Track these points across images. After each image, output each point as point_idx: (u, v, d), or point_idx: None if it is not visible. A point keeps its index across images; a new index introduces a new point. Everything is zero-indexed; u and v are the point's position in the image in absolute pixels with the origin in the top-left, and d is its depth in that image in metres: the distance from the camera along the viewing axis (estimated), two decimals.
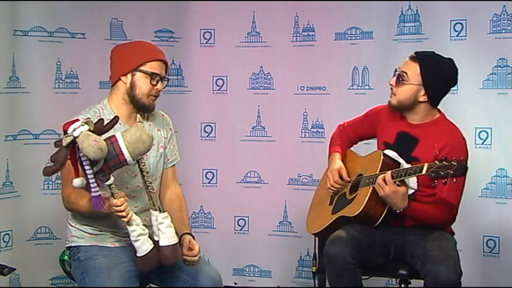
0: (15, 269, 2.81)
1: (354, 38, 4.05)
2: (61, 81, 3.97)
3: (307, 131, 4.17)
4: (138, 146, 2.56)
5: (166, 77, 2.90)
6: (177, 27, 4.26)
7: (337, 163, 3.20)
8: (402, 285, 3.07)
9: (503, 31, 3.67)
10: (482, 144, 3.77)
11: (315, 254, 3.30)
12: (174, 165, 3.05)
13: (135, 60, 2.82)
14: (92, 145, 2.44)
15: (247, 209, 4.31)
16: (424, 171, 2.74)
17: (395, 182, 2.85)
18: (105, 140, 2.52)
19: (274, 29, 4.21)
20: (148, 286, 2.96)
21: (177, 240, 2.71)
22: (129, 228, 2.64)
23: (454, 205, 2.96)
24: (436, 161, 2.73)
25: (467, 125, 3.77)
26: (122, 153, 2.53)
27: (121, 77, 2.83)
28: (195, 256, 2.82)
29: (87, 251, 2.82)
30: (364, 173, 3.08)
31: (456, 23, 3.79)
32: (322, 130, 4.11)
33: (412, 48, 3.84)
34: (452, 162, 2.69)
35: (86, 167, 2.51)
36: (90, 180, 2.54)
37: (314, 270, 3.31)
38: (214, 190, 4.34)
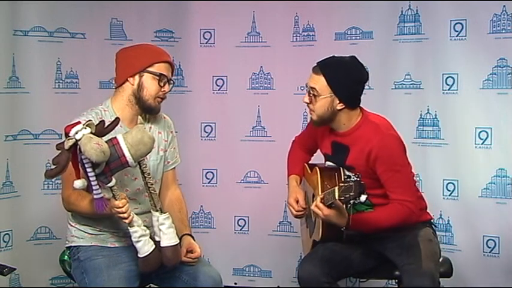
0: (15, 269, 2.81)
1: (354, 38, 4.05)
2: (61, 81, 3.97)
3: None
4: (140, 148, 2.56)
5: (172, 79, 2.90)
6: (177, 27, 4.26)
7: (293, 190, 3.16)
8: (400, 286, 3.07)
9: (503, 31, 3.67)
10: (482, 144, 3.76)
11: None
12: (174, 167, 3.06)
13: (143, 61, 2.83)
14: (94, 148, 2.45)
15: (247, 209, 4.31)
16: (336, 197, 2.65)
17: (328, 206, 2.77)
18: (106, 142, 2.53)
19: (274, 29, 4.21)
20: (148, 286, 2.96)
21: (178, 241, 2.72)
22: (131, 230, 2.65)
23: (406, 199, 2.88)
24: (340, 184, 2.64)
25: (467, 125, 3.79)
26: (124, 155, 2.54)
27: (128, 78, 2.83)
28: (196, 258, 2.83)
29: (87, 250, 2.83)
30: (315, 192, 3.02)
31: (456, 23, 3.78)
32: None
33: (412, 48, 3.88)
34: (349, 183, 2.60)
35: (88, 170, 2.52)
36: (92, 183, 2.55)
37: None
38: (214, 190, 4.34)
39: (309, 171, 3.19)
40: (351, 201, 2.62)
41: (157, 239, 2.71)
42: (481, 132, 3.76)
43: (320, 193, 2.87)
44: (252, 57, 4.24)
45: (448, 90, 3.83)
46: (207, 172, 4.32)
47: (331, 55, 3.02)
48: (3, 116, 3.70)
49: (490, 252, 3.77)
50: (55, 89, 3.95)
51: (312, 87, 2.93)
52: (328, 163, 3.04)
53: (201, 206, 4.34)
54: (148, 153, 2.64)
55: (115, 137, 2.56)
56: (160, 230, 2.69)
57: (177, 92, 4.23)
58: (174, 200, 3.03)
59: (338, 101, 2.91)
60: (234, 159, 4.31)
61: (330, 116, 2.94)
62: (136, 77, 2.82)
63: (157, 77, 2.82)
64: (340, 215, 2.79)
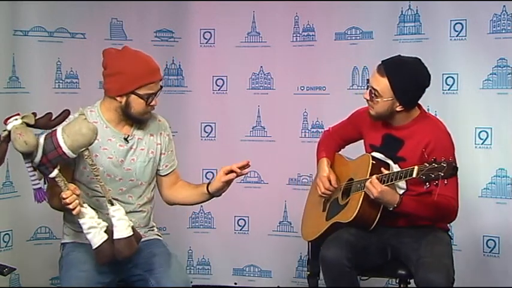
0: (15, 269, 2.82)
1: (354, 38, 4.05)
2: (61, 81, 3.97)
3: (307, 131, 4.17)
4: (77, 139, 2.58)
5: (161, 85, 2.86)
6: (177, 27, 4.26)
7: (326, 169, 3.20)
8: (402, 285, 3.07)
9: (503, 31, 3.67)
10: (482, 144, 3.77)
11: (308, 259, 3.29)
12: (174, 169, 3.05)
13: (130, 84, 2.78)
14: (16, 138, 2.50)
15: (247, 209, 4.31)
16: (414, 175, 2.73)
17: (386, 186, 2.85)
18: (48, 133, 2.57)
19: (274, 29, 4.21)
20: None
21: (130, 233, 2.70)
22: (80, 221, 2.66)
23: (451, 196, 2.93)
24: (425, 163, 2.71)
25: (467, 125, 3.79)
26: (60, 146, 2.56)
27: (116, 97, 2.81)
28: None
29: (68, 247, 2.88)
30: (354, 177, 3.08)
31: (456, 23, 3.79)
32: (322, 130, 4.08)
33: (412, 48, 3.87)
34: (442, 163, 2.66)
35: (24, 160, 2.57)
36: (30, 174, 2.59)
37: (308, 275, 3.29)
38: None
39: (345, 159, 3.25)
40: (437, 182, 2.67)
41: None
42: (481, 132, 3.77)
43: (367, 176, 2.94)
44: (252, 57, 4.24)
45: (448, 90, 3.83)
46: (207, 172, 4.32)
47: (397, 54, 3.03)
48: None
49: (490, 252, 3.77)
50: (55, 89, 3.95)
51: (374, 88, 2.95)
52: (375, 154, 3.06)
53: (201, 206, 4.33)
54: (89, 144, 2.63)
55: (55, 129, 2.59)
56: (112, 222, 2.70)
57: (177, 92, 4.24)
58: (179, 185, 3.05)
59: (398, 104, 2.94)
60: (234, 159, 4.25)
61: (389, 115, 2.99)
62: (124, 96, 2.80)
63: (145, 99, 2.80)
64: (392, 194, 2.87)
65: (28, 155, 2.54)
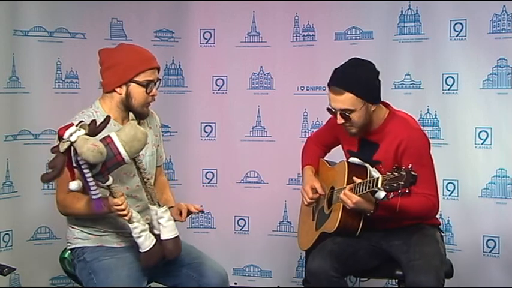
0: (15, 269, 2.82)
1: (354, 38, 4.05)
2: (61, 81, 3.97)
3: (307, 131, 4.17)
4: (134, 144, 2.58)
5: (159, 78, 2.88)
6: (177, 27, 4.26)
7: (309, 179, 3.20)
8: (401, 286, 3.07)
9: (503, 31, 3.67)
10: (482, 144, 3.77)
11: (304, 265, 3.30)
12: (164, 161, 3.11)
13: (128, 72, 2.79)
14: (91, 149, 2.46)
15: (247, 209, 4.31)
16: (379, 185, 2.71)
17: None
18: (100, 141, 2.53)
19: (274, 29, 4.21)
20: (148, 286, 2.96)
21: (178, 233, 2.74)
22: (131, 226, 2.67)
23: (431, 194, 2.93)
24: (388, 173, 2.69)
25: (467, 125, 3.79)
26: (119, 153, 2.55)
27: (115, 89, 2.81)
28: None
29: (93, 251, 2.83)
30: (335, 185, 3.08)
31: (456, 23, 3.79)
32: None
33: (412, 48, 3.88)
34: (401, 172, 2.65)
35: (85, 171, 2.52)
36: (90, 184, 2.55)
37: (303, 280, 3.29)
38: (214, 190, 4.34)
39: (328, 165, 3.24)
40: (399, 191, 2.67)
41: (156, 232, 2.73)
42: (481, 132, 3.77)
43: (345, 185, 2.92)
44: (252, 57, 4.24)
45: (448, 90, 3.83)
46: (207, 172, 4.33)
47: (333, 69, 2.99)
48: (3, 116, 3.70)
49: (490, 252, 3.77)
50: (55, 89, 3.95)
51: (343, 109, 2.92)
52: (353, 159, 3.06)
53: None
54: (143, 148, 2.66)
55: (108, 136, 2.57)
56: (159, 224, 2.72)
57: (177, 92, 4.24)
58: (159, 185, 3.05)
59: (370, 105, 2.94)
60: (234, 159, 4.31)
61: (368, 121, 2.98)
62: (124, 87, 2.80)
63: (145, 86, 2.81)
64: (368, 202, 2.86)
65: (94, 165, 2.52)
